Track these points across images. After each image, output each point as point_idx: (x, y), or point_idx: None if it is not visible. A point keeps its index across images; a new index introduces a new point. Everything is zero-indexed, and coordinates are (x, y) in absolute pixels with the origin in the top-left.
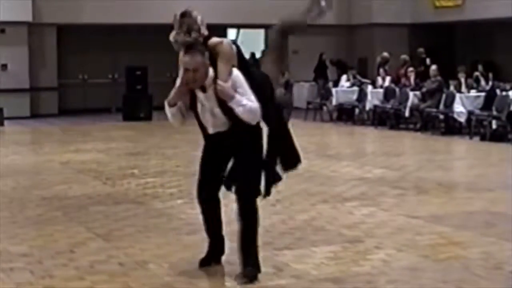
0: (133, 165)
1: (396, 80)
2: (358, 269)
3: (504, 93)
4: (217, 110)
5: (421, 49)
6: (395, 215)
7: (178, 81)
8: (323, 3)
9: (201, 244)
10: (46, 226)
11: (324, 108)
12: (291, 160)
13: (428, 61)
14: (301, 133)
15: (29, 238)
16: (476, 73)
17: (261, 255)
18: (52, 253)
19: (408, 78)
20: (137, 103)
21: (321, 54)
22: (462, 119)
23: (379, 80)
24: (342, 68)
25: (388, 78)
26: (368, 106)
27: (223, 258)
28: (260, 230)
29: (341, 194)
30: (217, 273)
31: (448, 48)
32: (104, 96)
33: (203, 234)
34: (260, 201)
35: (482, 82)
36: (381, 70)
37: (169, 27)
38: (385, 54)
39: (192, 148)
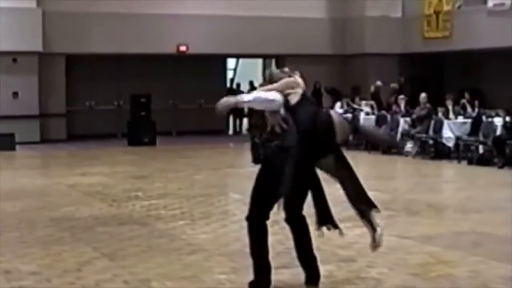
0: (137, 188)
1: (387, 107)
2: (352, 287)
3: (489, 119)
4: None
5: (401, 78)
6: (387, 236)
7: None
8: (408, 148)
9: (202, 263)
10: (54, 246)
11: None
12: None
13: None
14: None
15: (38, 257)
16: (463, 101)
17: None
18: (60, 271)
19: (398, 105)
20: (141, 129)
21: (316, 82)
22: (451, 144)
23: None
24: (337, 96)
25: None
26: None
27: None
28: None
29: (336, 216)
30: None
31: (437, 76)
32: (110, 122)
33: (203, 254)
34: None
35: (469, 109)
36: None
37: (171, 57)
38: (378, 83)
39: (194, 172)
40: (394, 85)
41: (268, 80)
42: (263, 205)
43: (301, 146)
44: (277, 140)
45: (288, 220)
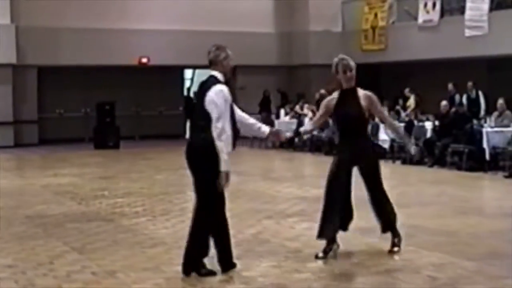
0: (103, 187)
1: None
2: (299, 275)
3: (421, 123)
4: None
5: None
6: None
7: None
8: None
9: (162, 255)
10: (29, 241)
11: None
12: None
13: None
14: (248, 159)
15: (14, 251)
16: (397, 107)
17: (216, 265)
18: (34, 264)
19: None
20: (106, 134)
21: (265, 90)
22: (386, 145)
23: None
24: (286, 98)
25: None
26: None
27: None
28: (213, 242)
29: (284, 211)
30: (178, 279)
31: (374, 85)
32: (78, 127)
33: (164, 247)
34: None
35: (402, 114)
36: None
37: (134, 68)
38: (323, 91)
39: (155, 172)
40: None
41: None
42: None
43: None
44: None
45: None
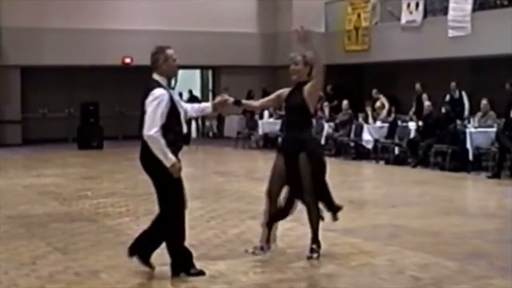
0: (87, 187)
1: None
2: (282, 276)
3: (404, 124)
4: None
5: (328, 87)
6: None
7: None
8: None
9: None
10: (11, 241)
11: (252, 137)
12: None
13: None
14: (232, 159)
15: None
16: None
17: (198, 265)
18: (17, 264)
19: (323, 111)
20: (90, 134)
21: (250, 91)
22: (370, 146)
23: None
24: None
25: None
26: None
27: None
28: (196, 243)
29: None
30: (162, 280)
31: (357, 85)
32: (61, 128)
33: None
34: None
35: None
36: None
37: (117, 68)
38: None
39: (138, 173)
40: (319, 93)
41: None
42: None
43: None
44: None
45: None
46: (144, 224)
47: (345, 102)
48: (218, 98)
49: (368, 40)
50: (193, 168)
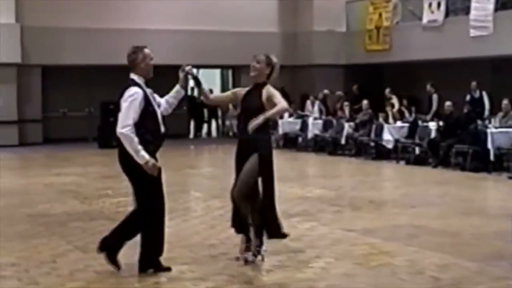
0: (107, 186)
1: (333, 113)
2: (301, 275)
3: (425, 123)
4: None
5: (354, 87)
6: (333, 229)
7: None
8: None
9: (165, 254)
10: (32, 240)
11: (272, 137)
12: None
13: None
14: None
15: (17, 250)
16: (401, 107)
17: (219, 264)
18: (37, 263)
19: (343, 111)
20: (110, 133)
21: None
22: (390, 146)
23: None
24: (287, 97)
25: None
26: (309, 135)
27: None
28: (217, 242)
29: (287, 211)
30: (181, 278)
31: (377, 85)
32: (82, 127)
33: (166, 246)
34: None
35: (406, 115)
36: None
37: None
38: (326, 91)
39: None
40: (339, 93)
41: None
42: None
43: None
44: None
45: None
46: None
47: (365, 102)
48: (181, 79)
49: (389, 39)
50: (213, 168)
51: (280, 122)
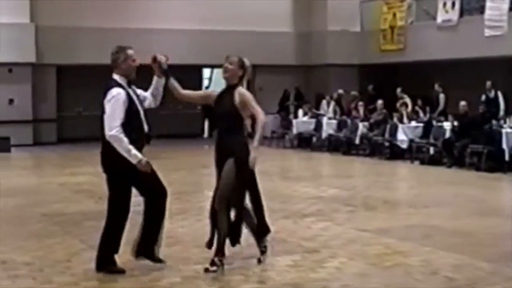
0: None
1: (347, 113)
2: (315, 275)
3: (439, 124)
4: None
5: (370, 87)
6: (347, 229)
7: None
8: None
9: (179, 254)
10: (46, 239)
11: (286, 136)
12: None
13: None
14: (266, 158)
15: (32, 249)
16: (416, 107)
17: (234, 264)
18: (51, 262)
19: (358, 111)
20: None
21: (285, 90)
22: (404, 146)
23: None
24: (301, 96)
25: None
26: (323, 135)
27: None
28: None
29: (301, 211)
30: (195, 278)
31: (392, 85)
32: (96, 126)
33: (181, 246)
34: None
35: (421, 115)
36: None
37: (152, 68)
38: (341, 91)
39: (171, 171)
40: (354, 93)
41: None
42: None
43: None
44: None
45: None
46: (176, 222)
47: (379, 102)
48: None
49: (403, 39)
50: None
51: (294, 122)
